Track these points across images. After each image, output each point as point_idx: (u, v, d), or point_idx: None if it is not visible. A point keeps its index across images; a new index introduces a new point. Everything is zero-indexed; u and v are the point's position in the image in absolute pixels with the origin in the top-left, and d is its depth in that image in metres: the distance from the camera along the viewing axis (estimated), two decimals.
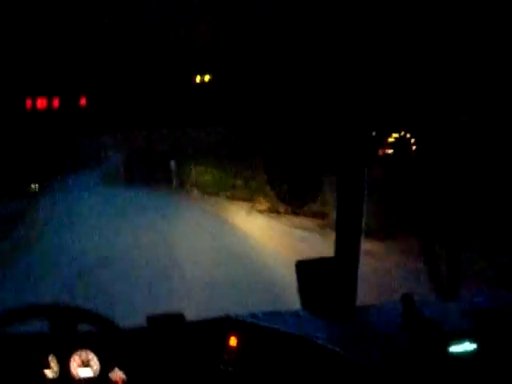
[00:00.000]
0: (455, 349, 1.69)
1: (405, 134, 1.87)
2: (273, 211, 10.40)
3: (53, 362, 1.83)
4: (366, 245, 2.17)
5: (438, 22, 1.49)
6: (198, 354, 1.89)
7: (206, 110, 1.52)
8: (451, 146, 1.86)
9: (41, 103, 1.42)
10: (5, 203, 12.72)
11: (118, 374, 1.84)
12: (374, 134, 1.93)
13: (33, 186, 16.65)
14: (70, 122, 1.47)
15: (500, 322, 1.79)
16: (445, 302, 1.95)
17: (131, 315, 2.12)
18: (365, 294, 2.25)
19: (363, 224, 2.11)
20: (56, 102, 1.42)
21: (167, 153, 17.11)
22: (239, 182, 12.84)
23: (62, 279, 7.12)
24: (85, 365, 1.85)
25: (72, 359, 1.84)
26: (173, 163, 17.58)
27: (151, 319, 1.95)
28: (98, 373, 1.84)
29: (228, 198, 12.96)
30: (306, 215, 9.58)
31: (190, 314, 2.01)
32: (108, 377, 1.84)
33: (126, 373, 1.83)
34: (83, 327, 1.86)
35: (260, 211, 10.91)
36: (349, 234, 2.14)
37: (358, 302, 2.20)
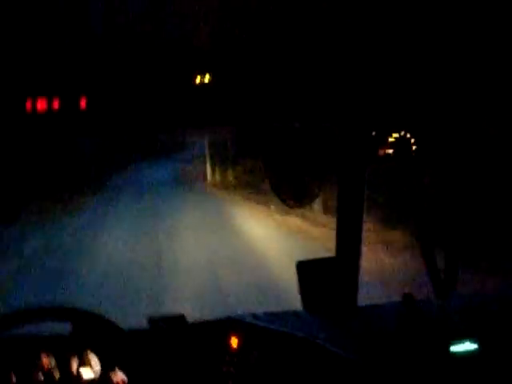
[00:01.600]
0: (456, 348, 1.69)
1: (405, 134, 1.87)
2: None
3: (53, 362, 1.83)
4: None
5: (438, 22, 1.49)
6: (200, 355, 1.89)
7: (207, 111, 1.52)
8: (451, 146, 1.86)
9: (41, 105, 1.42)
10: None
11: (119, 375, 1.84)
12: (374, 133, 1.93)
13: None
14: (70, 123, 1.47)
15: (501, 322, 1.79)
16: (445, 301, 1.95)
17: None
18: None
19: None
20: (56, 104, 1.42)
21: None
22: None
23: None
24: (85, 366, 1.85)
25: (73, 360, 1.84)
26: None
27: (152, 320, 1.95)
28: (98, 374, 1.84)
29: None
30: None
31: None
32: (109, 378, 1.84)
33: (127, 374, 1.83)
34: (83, 328, 1.86)
35: None
36: (349, 234, 2.14)
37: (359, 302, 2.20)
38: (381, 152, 1.92)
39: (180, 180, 16.61)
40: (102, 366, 1.85)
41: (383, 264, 6.35)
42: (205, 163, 16.98)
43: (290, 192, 1.92)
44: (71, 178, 13.34)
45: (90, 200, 13.46)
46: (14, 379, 1.79)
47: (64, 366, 1.83)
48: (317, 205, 8.66)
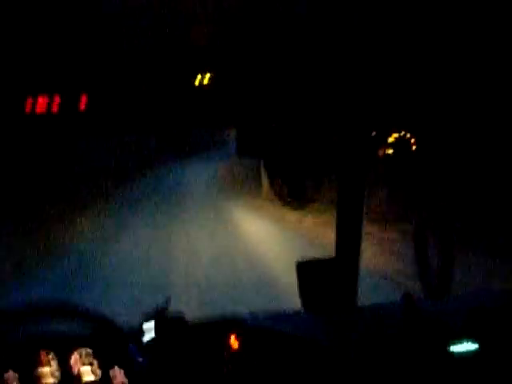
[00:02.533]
0: (456, 348, 1.69)
1: (405, 134, 1.87)
2: None
3: (53, 362, 1.83)
4: None
5: (438, 22, 1.49)
6: (199, 354, 1.89)
7: (208, 112, 1.52)
8: (451, 145, 1.86)
9: (40, 104, 1.42)
10: None
11: (118, 375, 1.84)
12: (374, 133, 1.93)
13: None
14: (69, 123, 1.47)
15: (501, 321, 1.79)
16: (444, 301, 1.95)
17: None
18: None
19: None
20: (56, 105, 1.42)
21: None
22: None
23: None
24: (85, 365, 1.85)
25: (72, 359, 1.84)
26: None
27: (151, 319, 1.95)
28: (98, 373, 1.85)
29: None
30: None
31: None
32: (109, 378, 1.84)
33: (126, 373, 1.83)
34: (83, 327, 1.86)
35: None
36: (349, 235, 2.14)
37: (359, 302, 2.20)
38: (381, 152, 1.92)
39: (226, 193, 11.94)
40: (101, 365, 1.85)
41: None
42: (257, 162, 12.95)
43: (289, 192, 1.92)
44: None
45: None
46: (14, 378, 1.79)
47: (64, 366, 1.83)
48: None
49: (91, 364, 1.85)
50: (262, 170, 11.45)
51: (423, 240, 1.80)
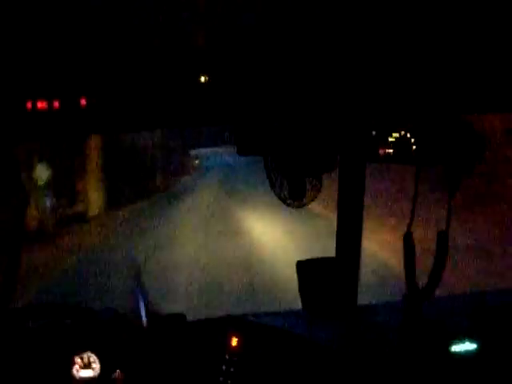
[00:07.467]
0: (456, 348, 1.70)
1: (405, 134, 1.87)
2: None
3: (53, 362, 1.83)
4: None
5: (438, 22, 1.49)
6: (200, 354, 1.89)
7: (206, 110, 1.52)
8: (450, 145, 1.86)
9: (41, 105, 1.42)
10: None
11: (119, 374, 1.84)
12: (374, 133, 1.93)
13: None
14: (70, 122, 1.47)
15: (501, 321, 1.79)
16: (442, 301, 1.95)
17: None
18: None
19: None
20: (56, 104, 1.42)
21: None
22: None
23: None
24: (86, 365, 1.85)
25: (73, 359, 1.84)
26: None
27: (152, 319, 1.95)
28: (98, 373, 1.84)
29: None
30: None
31: None
32: (109, 377, 1.84)
33: (127, 373, 1.83)
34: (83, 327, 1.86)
35: None
36: (349, 234, 2.14)
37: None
38: (381, 152, 1.92)
39: None
40: (101, 365, 1.85)
41: None
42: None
43: (289, 191, 1.92)
44: None
45: None
46: (14, 378, 1.79)
47: (64, 366, 1.83)
48: None
49: (91, 364, 1.85)
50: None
51: (411, 242, 1.80)
